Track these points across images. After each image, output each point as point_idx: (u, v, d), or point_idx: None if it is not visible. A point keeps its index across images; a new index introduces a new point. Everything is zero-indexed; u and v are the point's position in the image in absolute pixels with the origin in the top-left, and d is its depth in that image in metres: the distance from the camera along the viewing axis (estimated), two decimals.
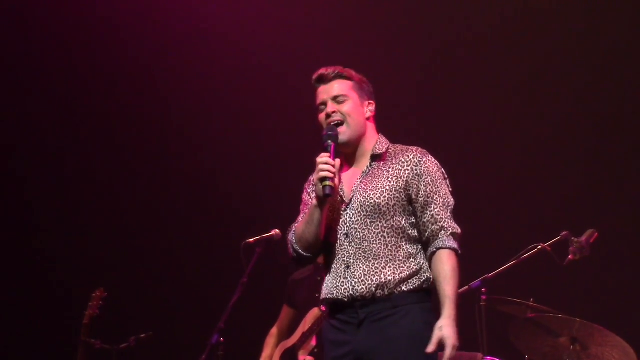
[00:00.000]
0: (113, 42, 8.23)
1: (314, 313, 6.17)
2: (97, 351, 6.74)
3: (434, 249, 4.11)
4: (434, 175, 4.17)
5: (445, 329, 3.96)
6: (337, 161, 4.14)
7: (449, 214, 4.15)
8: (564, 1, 7.34)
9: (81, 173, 8.33)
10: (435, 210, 4.12)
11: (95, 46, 8.25)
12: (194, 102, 8.18)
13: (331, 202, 4.18)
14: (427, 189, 4.14)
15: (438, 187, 4.16)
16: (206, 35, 8.11)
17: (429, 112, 7.38)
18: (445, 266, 4.07)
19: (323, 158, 4.11)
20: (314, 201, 4.13)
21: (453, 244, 4.10)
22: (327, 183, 4.06)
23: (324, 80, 4.29)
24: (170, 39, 8.15)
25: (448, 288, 4.04)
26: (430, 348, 3.94)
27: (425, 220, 4.13)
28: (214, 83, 8.12)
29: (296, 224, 4.29)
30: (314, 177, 4.13)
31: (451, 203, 4.19)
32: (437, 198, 4.14)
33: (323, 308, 6.05)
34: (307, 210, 4.23)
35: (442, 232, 4.11)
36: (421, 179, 4.14)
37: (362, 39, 7.65)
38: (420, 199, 4.13)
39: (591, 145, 7.15)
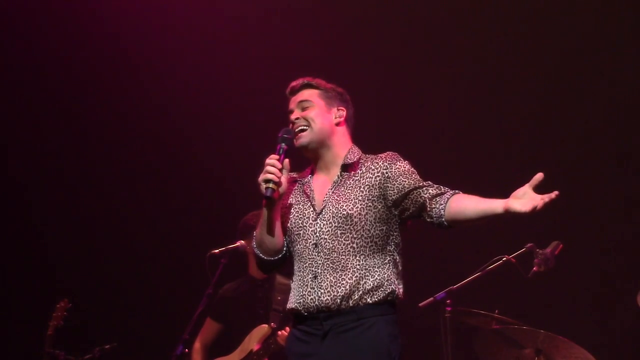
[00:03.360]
0: (101, 42, 8.14)
1: (263, 331, 6.09)
2: None
3: (449, 195, 4.03)
4: (406, 172, 4.13)
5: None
6: (286, 162, 4.18)
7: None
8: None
9: (44, 181, 8.26)
10: (419, 184, 4.09)
11: (80, 46, 8.18)
12: (167, 113, 8.13)
13: (301, 211, 4.21)
14: (405, 183, 4.09)
15: (415, 178, 4.13)
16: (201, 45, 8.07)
17: (389, 125, 7.37)
18: (472, 196, 4.05)
19: (271, 160, 4.14)
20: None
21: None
22: (270, 185, 4.09)
23: (293, 91, 4.38)
24: (165, 43, 8.10)
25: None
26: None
27: (413, 198, 4.08)
28: (182, 100, 8.09)
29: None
30: (260, 178, 4.15)
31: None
32: (417, 182, 4.11)
33: (273, 325, 6.03)
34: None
35: (440, 188, 4.07)
36: (395, 179, 4.10)
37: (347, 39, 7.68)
38: (400, 191, 4.09)
39: (555, 158, 7.18)
